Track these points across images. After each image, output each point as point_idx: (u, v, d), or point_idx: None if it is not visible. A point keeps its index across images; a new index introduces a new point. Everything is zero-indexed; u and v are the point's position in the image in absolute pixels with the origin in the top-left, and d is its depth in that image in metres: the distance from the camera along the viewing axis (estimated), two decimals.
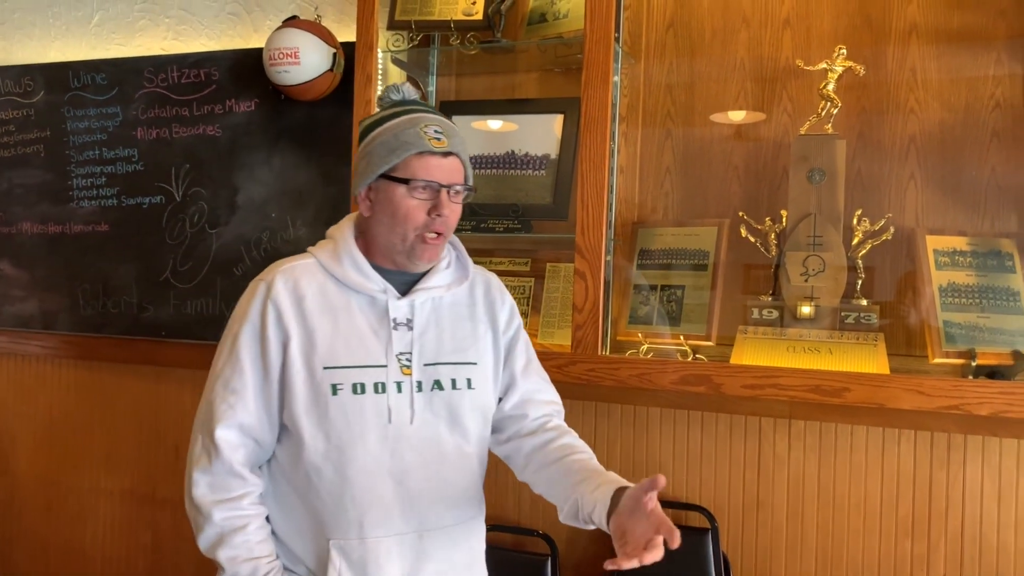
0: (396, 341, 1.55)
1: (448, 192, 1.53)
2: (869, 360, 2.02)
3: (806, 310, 2.12)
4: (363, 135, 1.58)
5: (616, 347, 2.32)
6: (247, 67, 2.76)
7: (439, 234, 1.54)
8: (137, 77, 2.94)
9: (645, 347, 2.28)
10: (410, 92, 1.61)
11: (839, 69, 2.14)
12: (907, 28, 2.20)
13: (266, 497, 1.59)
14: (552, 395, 1.76)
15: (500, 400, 1.71)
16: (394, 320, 1.56)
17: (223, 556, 1.51)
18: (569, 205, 2.34)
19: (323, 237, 2.60)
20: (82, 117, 3.02)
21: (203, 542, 1.53)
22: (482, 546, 1.70)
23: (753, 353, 2.12)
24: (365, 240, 1.59)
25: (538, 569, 2.37)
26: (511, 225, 2.37)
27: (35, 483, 3.16)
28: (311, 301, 1.54)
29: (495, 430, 1.71)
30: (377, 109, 1.65)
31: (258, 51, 2.63)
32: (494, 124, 2.53)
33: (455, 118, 2.51)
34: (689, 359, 2.21)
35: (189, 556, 2.93)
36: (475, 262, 2.33)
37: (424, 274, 1.60)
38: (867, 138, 2.23)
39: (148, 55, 2.97)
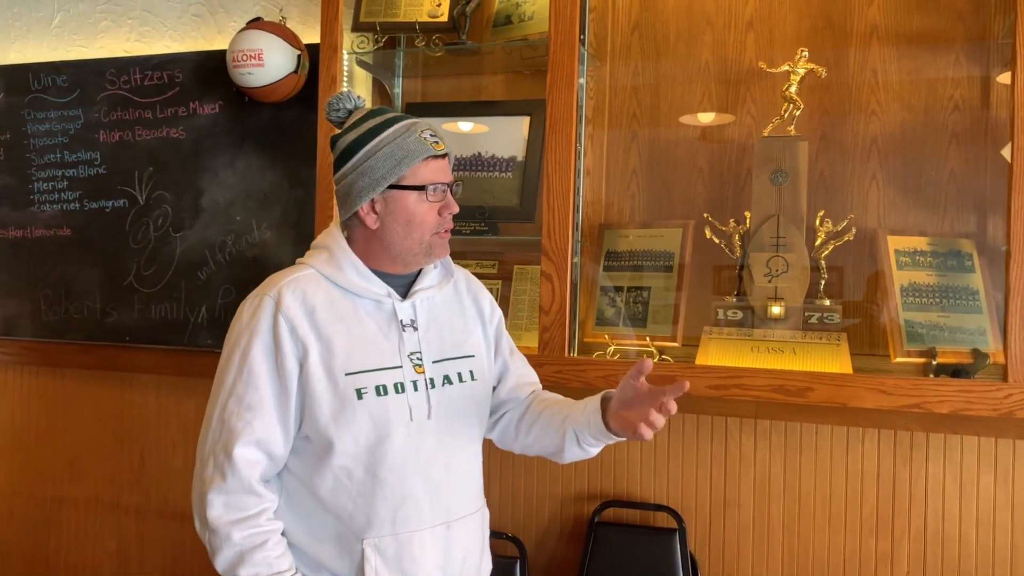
0: (407, 341, 1.61)
1: (451, 189, 1.63)
2: (832, 360, 2.04)
3: (776, 310, 2.13)
4: (349, 152, 1.60)
5: (583, 349, 2.32)
6: (211, 69, 2.74)
7: (447, 229, 1.64)
8: (99, 79, 2.90)
9: (612, 349, 2.28)
10: (360, 99, 1.68)
11: (801, 71, 2.16)
12: (868, 30, 2.23)
13: (280, 510, 1.60)
14: (535, 375, 1.88)
15: (495, 387, 1.80)
16: (401, 322, 1.62)
17: (244, 574, 1.51)
18: (536, 207, 2.35)
19: (288, 240, 2.63)
20: (43, 120, 2.97)
21: (221, 563, 1.53)
22: (488, 531, 1.77)
23: (718, 354, 2.13)
24: (358, 248, 1.63)
25: (507, 571, 2.37)
26: (478, 227, 2.37)
27: None
28: (322, 311, 1.57)
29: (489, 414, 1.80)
30: (332, 120, 1.70)
31: (222, 53, 2.61)
32: (461, 126, 2.52)
33: (423, 120, 2.52)
34: (655, 360, 2.22)
35: (155, 563, 2.90)
36: None
37: (416, 276, 1.68)
38: (829, 139, 2.26)
39: (110, 57, 2.93)
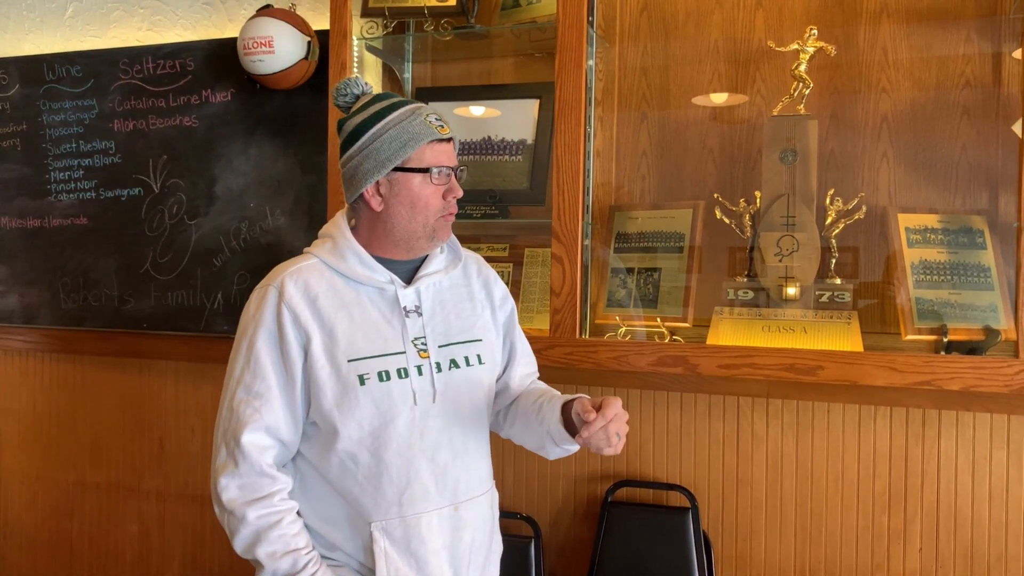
0: (410, 327, 1.63)
1: (456, 173, 1.64)
2: (843, 338, 2.04)
3: (792, 291, 2.13)
4: (356, 135, 1.62)
5: (594, 330, 2.34)
6: (222, 57, 2.76)
7: (451, 213, 1.65)
8: (112, 69, 2.93)
9: (623, 330, 2.29)
10: (368, 84, 1.69)
11: (811, 49, 2.16)
12: (878, 7, 2.22)
13: (295, 495, 1.63)
14: (534, 366, 1.89)
15: (504, 371, 1.82)
16: (405, 308, 1.63)
17: (262, 553, 1.54)
18: (546, 190, 2.35)
19: (301, 226, 2.65)
20: (58, 110, 3.00)
21: (239, 544, 1.57)
22: (498, 513, 1.79)
23: (729, 334, 2.14)
24: (363, 234, 1.66)
25: (522, 551, 2.39)
26: (488, 211, 2.38)
27: (20, 477, 3.17)
28: (324, 299, 1.59)
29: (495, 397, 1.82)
30: (340, 105, 1.70)
31: (233, 41, 2.62)
32: (471, 110, 2.53)
33: (432, 104, 2.53)
34: (666, 341, 2.23)
35: (176, 546, 2.94)
36: None
37: (422, 262, 1.69)
38: (839, 118, 2.25)
39: (123, 46, 2.95)
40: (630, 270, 2.36)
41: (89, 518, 3.07)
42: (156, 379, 2.95)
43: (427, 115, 1.61)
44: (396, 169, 1.58)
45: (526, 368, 1.84)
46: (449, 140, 1.63)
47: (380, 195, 1.61)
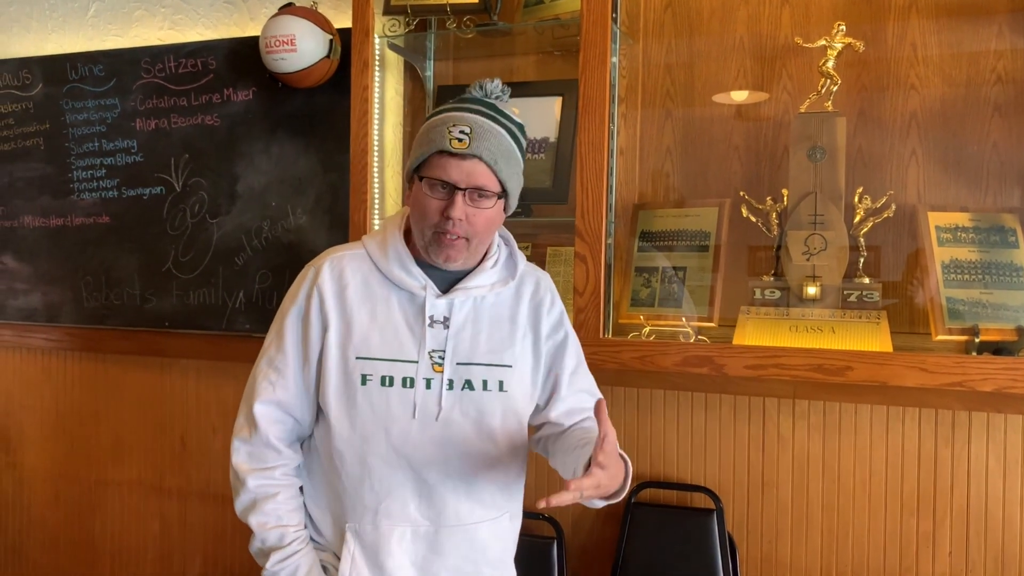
0: (430, 338, 1.58)
1: (464, 194, 1.50)
2: (872, 338, 2.01)
3: (812, 291, 2.11)
4: None
5: (618, 330, 2.31)
6: (244, 56, 2.75)
7: (458, 235, 1.52)
8: (135, 68, 2.93)
9: (647, 329, 2.27)
10: (494, 90, 1.60)
11: (838, 46, 2.13)
12: (907, 3, 2.18)
13: (302, 472, 1.67)
14: (591, 403, 1.70)
15: (546, 405, 1.70)
16: (430, 318, 1.58)
17: (254, 521, 1.59)
18: (569, 188, 2.33)
19: (323, 224, 2.65)
20: (81, 109, 3.01)
21: (238, 506, 1.61)
22: (509, 546, 1.70)
23: (756, 333, 2.11)
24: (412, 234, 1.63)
25: (544, 552, 2.38)
26: None
27: (43, 475, 3.18)
28: (353, 291, 1.59)
29: (532, 427, 1.73)
30: None
31: (254, 39, 2.62)
32: None
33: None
34: (691, 341, 2.21)
35: (197, 545, 2.95)
36: None
37: (469, 272, 1.61)
38: (867, 115, 2.22)
39: (145, 46, 2.96)
40: (654, 269, 2.33)
41: (111, 516, 3.08)
42: (178, 378, 2.95)
43: (452, 125, 1.50)
44: (413, 173, 1.57)
45: (572, 405, 1.69)
46: (466, 157, 1.49)
47: (411, 194, 1.60)
